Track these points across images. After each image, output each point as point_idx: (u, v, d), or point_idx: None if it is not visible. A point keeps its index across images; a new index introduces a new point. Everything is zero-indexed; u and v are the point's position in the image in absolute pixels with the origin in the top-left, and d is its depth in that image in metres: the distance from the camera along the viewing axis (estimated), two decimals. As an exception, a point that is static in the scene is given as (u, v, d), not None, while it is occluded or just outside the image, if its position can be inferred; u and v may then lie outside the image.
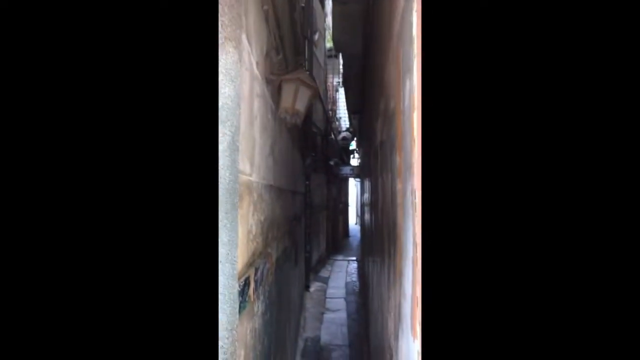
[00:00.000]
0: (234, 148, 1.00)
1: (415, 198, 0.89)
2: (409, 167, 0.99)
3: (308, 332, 4.41)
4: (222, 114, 0.91)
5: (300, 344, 4.01)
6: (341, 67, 7.60)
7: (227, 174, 0.94)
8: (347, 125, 10.00)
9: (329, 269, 7.77)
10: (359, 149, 8.43)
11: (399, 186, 1.27)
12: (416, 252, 0.87)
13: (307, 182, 5.12)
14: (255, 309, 1.57)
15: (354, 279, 6.92)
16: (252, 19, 1.45)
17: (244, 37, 1.22)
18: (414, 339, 0.92)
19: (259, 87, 1.61)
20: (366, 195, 4.66)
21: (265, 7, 1.75)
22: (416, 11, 0.88)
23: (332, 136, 8.61)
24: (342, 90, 8.74)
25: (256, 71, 1.55)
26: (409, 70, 0.99)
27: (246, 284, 1.34)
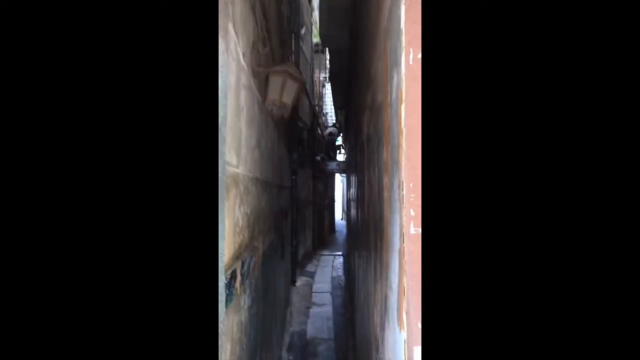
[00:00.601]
0: (220, 139, 0.99)
1: (402, 190, 0.90)
2: (396, 160, 1.00)
3: (294, 326, 4.42)
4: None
5: (287, 338, 4.02)
6: (328, 62, 7.57)
7: (214, 165, 0.93)
8: (334, 121, 10.00)
9: (315, 263, 7.79)
10: (345, 145, 8.45)
11: (385, 179, 1.28)
12: (403, 244, 0.88)
13: (293, 177, 5.10)
14: (242, 302, 1.57)
15: (340, 273, 6.96)
16: (239, 8, 1.43)
17: (230, 26, 1.20)
18: (400, 330, 0.93)
19: (245, 78, 1.59)
20: (352, 191, 4.68)
21: (252, -2, 1.73)
22: (404, 4, 0.88)
23: (319, 131, 8.60)
24: (328, 86, 8.72)
25: (243, 62, 1.52)
26: (397, 63, 1.00)
27: (233, 277, 1.33)
